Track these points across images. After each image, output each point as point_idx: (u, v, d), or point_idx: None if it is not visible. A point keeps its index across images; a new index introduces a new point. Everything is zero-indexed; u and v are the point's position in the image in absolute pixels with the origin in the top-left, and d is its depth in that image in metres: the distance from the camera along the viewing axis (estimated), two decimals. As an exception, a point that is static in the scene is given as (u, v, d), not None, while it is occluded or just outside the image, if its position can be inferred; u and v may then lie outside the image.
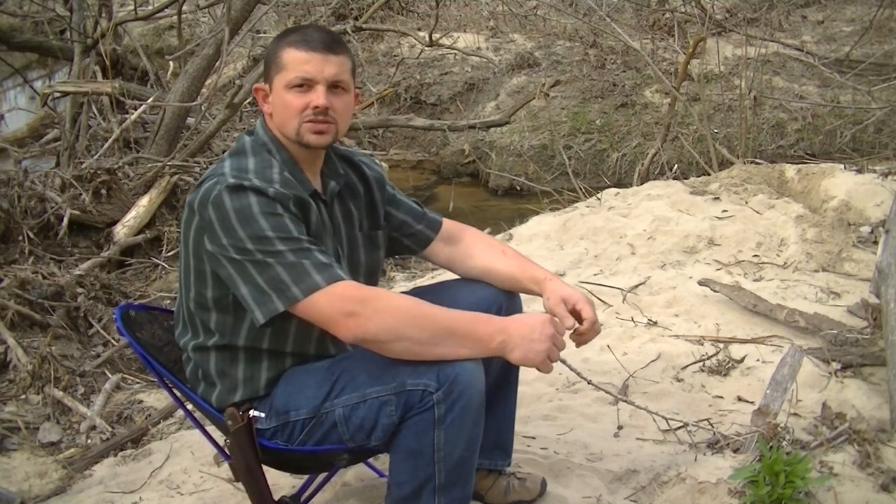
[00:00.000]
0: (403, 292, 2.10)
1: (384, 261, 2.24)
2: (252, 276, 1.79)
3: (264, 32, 9.37)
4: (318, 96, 1.90)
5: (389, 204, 2.20)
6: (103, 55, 6.30)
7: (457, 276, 2.26)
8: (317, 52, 1.90)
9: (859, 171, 4.44)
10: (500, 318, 1.86)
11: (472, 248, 2.24)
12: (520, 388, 2.32)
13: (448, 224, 2.28)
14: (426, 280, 4.22)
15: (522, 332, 1.80)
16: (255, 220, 1.80)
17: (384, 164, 6.56)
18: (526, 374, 3.00)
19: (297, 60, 1.90)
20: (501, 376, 2.19)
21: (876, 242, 3.80)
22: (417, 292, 2.17)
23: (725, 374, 3.03)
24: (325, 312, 1.77)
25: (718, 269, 3.84)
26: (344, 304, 1.76)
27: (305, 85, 1.91)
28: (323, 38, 1.93)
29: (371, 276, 2.13)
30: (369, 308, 1.75)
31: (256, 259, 1.79)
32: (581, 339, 2.09)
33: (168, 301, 4.15)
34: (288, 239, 1.80)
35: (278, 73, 1.93)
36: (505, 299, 2.14)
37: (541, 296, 2.13)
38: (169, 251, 4.67)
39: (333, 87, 1.93)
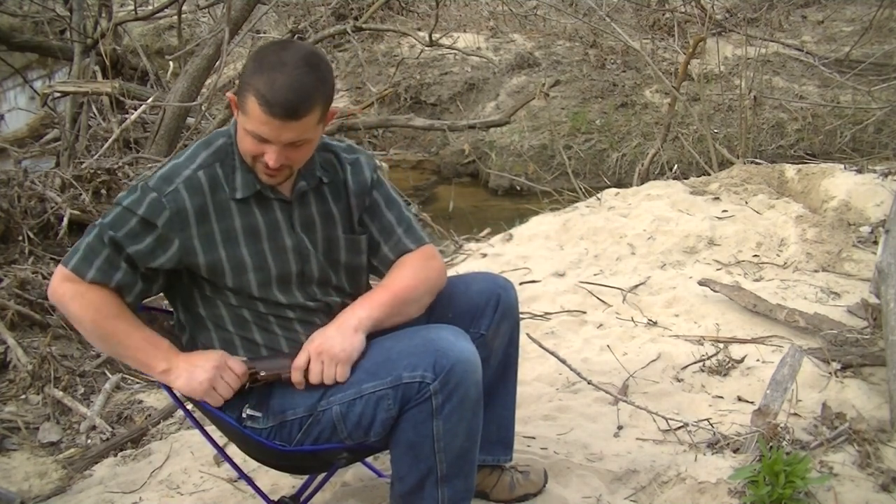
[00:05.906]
0: None
1: (368, 266, 2.13)
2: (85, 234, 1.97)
3: (264, 32, 9.36)
4: (271, 157, 1.82)
5: (368, 213, 2.09)
6: (103, 55, 6.30)
7: (458, 273, 2.26)
8: (276, 119, 1.77)
9: (859, 171, 4.43)
10: (171, 348, 1.95)
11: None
12: (520, 388, 2.32)
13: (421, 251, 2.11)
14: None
15: (188, 362, 1.91)
16: (119, 202, 1.92)
17: (384, 165, 6.53)
18: (526, 374, 3.02)
19: (257, 118, 1.78)
20: (501, 368, 2.19)
21: (876, 242, 3.80)
22: None
23: (725, 374, 3.03)
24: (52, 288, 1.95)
25: (718, 269, 3.83)
26: (62, 288, 1.94)
27: (262, 140, 1.82)
28: (287, 102, 1.76)
29: (354, 277, 2.08)
30: (68, 306, 1.92)
31: (94, 224, 1.95)
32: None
33: (167, 301, 4.14)
34: (119, 230, 1.89)
35: (241, 112, 1.83)
36: (501, 292, 2.12)
37: None
38: (169, 251, 4.66)
39: (291, 144, 1.83)
